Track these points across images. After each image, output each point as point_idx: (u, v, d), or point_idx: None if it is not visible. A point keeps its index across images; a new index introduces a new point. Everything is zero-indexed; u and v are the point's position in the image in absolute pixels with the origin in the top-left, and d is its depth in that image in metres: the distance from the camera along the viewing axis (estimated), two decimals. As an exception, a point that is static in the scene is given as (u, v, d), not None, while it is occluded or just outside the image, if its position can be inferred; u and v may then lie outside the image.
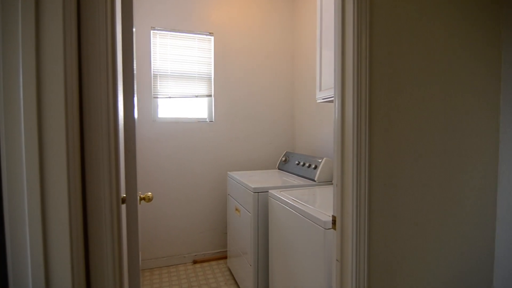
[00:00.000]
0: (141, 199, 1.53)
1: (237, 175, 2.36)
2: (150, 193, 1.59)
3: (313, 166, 2.18)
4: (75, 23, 0.69)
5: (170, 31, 2.54)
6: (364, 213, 0.98)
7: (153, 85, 2.55)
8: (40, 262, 0.64)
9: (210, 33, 2.63)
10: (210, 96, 2.72)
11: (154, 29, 2.50)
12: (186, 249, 2.72)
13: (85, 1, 0.71)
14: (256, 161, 2.87)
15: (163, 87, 2.57)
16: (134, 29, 1.38)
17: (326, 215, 1.27)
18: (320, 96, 1.94)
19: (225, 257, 2.76)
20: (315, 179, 2.08)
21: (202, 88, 2.68)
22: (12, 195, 0.62)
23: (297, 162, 2.42)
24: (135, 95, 0.98)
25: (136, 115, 0.98)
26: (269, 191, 1.87)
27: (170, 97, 2.60)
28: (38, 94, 0.62)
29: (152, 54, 2.51)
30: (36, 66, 0.62)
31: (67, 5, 0.65)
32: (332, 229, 1.09)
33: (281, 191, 1.83)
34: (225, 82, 2.73)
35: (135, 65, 0.99)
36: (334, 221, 1.05)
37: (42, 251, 0.64)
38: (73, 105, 0.68)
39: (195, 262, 2.73)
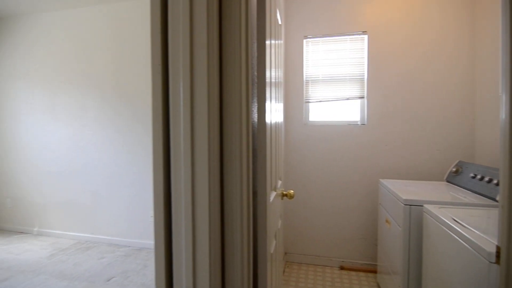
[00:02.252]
0: (283, 195, 1.68)
1: (390, 184, 2.13)
2: (292, 190, 1.71)
3: (495, 181, 1.68)
4: (217, 36, 0.86)
5: (321, 37, 2.61)
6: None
7: (305, 91, 2.69)
8: (190, 236, 0.84)
9: (363, 32, 2.51)
10: (363, 97, 2.59)
11: (307, 38, 2.64)
12: (333, 253, 2.70)
13: (225, 21, 0.88)
14: (417, 169, 2.49)
15: (314, 92, 2.67)
16: (279, 41, 1.54)
17: (495, 244, 0.97)
18: (506, 89, 1.47)
19: (375, 271, 2.55)
20: (497, 198, 1.59)
21: (353, 90, 2.59)
22: (175, 178, 0.85)
23: (472, 174, 1.93)
24: (268, 101, 1.09)
25: (268, 119, 1.10)
26: (424, 205, 1.59)
27: (321, 101, 2.66)
28: (192, 95, 0.82)
29: (304, 61, 2.66)
30: (190, 83, 0.82)
31: (211, 26, 0.82)
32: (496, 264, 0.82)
33: (440, 208, 1.52)
34: (379, 82, 2.52)
35: (269, 73, 1.11)
36: (498, 254, 0.79)
37: (191, 227, 0.84)
38: (214, 109, 0.85)
39: (342, 268, 2.67)
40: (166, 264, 0.88)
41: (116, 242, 3.27)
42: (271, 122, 1.18)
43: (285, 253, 2.80)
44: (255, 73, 1.04)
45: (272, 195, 1.25)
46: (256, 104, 1.04)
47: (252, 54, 1.03)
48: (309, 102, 2.70)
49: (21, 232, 3.63)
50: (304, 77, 2.68)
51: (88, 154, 3.36)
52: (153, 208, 0.89)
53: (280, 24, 1.60)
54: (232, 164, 0.91)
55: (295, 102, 2.71)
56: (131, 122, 3.20)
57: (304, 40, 2.65)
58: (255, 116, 1.04)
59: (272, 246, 1.26)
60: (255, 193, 1.05)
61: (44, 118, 3.49)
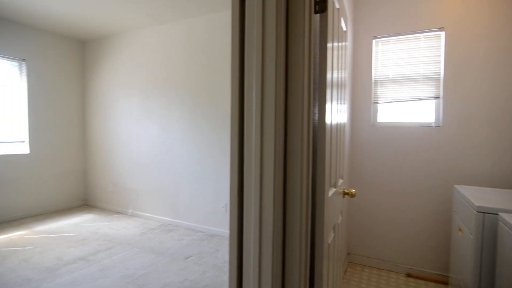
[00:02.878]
0: (345, 193, 1.75)
1: (465, 190, 2.00)
2: (353, 190, 1.77)
3: None
4: (284, 49, 1.01)
5: (392, 36, 2.54)
6: None
7: (373, 91, 2.66)
8: (257, 223, 1.01)
9: (440, 28, 2.37)
10: (438, 98, 2.45)
11: (376, 38, 2.60)
12: (400, 259, 2.62)
13: (291, 36, 1.03)
14: (499, 176, 2.25)
15: (383, 92, 2.62)
16: (343, 43, 1.61)
17: None
18: None
19: (446, 283, 2.40)
20: None
21: (427, 90, 2.47)
22: (247, 172, 1.03)
23: None
24: (329, 102, 1.20)
25: (329, 120, 1.20)
26: (500, 213, 1.48)
27: (390, 102, 2.60)
28: (262, 104, 0.99)
29: (373, 61, 2.64)
30: (261, 93, 0.99)
31: (279, 43, 0.98)
32: None
33: (519, 217, 1.41)
34: (458, 81, 2.35)
35: (330, 76, 1.22)
36: None
37: (258, 215, 1.01)
38: (280, 114, 1.00)
39: (409, 275, 2.57)
40: (238, 248, 1.06)
41: (193, 227, 3.70)
42: (331, 122, 1.29)
43: (348, 253, 2.82)
44: (317, 78, 1.16)
45: (331, 191, 1.35)
46: (317, 105, 1.15)
47: (315, 62, 1.15)
48: (377, 103, 2.66)
49: (119, 213, 4.37)
50: (373, 77, 2.66)
51: (173, 149, 3.87)
52: (229, 199, 1.08)
53: (345, 31, 1.67)
54: (294, 161, 1.05)
55: (362, 103, 2.70)
56: (210, 122, 3.58)
57: (374, 41, 2.62)
58: (316, 117, 1.16)
59: (330, 237, 1.36)
60: (314, 188, 1.17)
61: (139, 118, 4.14)
